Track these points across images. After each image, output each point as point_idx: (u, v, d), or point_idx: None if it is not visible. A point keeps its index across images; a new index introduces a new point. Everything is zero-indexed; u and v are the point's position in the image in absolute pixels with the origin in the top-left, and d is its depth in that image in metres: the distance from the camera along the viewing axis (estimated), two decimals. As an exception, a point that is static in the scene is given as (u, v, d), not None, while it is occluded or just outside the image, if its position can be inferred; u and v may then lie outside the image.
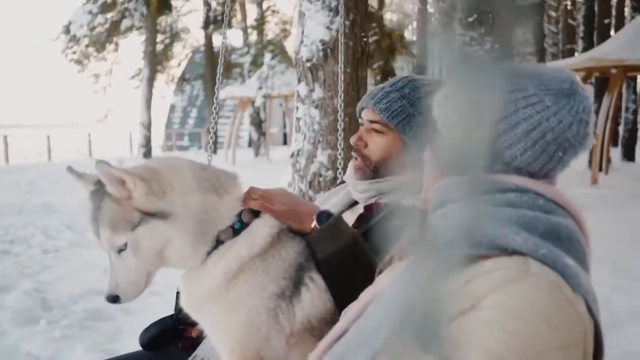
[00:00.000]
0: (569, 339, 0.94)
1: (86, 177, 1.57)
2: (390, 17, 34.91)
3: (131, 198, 1.48)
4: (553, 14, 36.18)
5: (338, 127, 3.27)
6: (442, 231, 1.04)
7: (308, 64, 3.91)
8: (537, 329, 0.91)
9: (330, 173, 3.95)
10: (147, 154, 22.09)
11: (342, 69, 3.33)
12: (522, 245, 0.99)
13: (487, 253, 1.01)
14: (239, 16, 25.53)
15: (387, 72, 11.80)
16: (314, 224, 1.64)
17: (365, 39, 3.99)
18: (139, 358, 2.02)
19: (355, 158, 1.93)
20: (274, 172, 13.82)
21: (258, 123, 22.24)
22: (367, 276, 1.50)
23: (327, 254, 1.58)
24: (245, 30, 26.16)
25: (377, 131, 1.89)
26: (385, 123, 1.87)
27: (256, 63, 21.73)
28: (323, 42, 3.85)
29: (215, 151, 25.81)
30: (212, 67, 26.24)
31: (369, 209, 1.91)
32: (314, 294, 1.56)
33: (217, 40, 26.99)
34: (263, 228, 1.60)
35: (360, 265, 1.58)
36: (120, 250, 1.49)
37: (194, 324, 1.88)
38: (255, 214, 1.64)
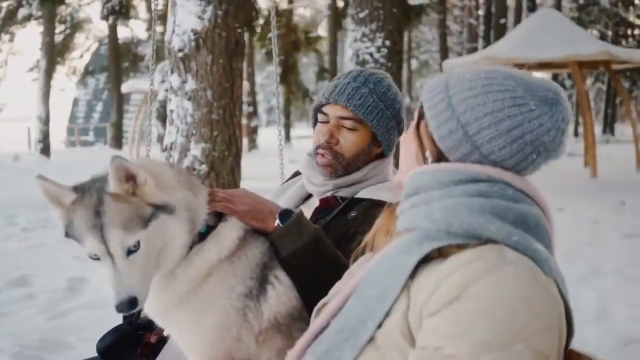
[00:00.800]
0: (548, 322, 1.01)
1: (63, 187, 1.45)
2: (303, 12, 35.07)
3: (138, 193, 1.43)
4: (458, 13, 37.47)
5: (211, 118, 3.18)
6: (418, 221, 1.15)
7: (180, 54, 3.79)
8: (522, 314, 0.98)
9: (204, 167, 3.86)
10: (45, 150, 20.97)
11: (213, 60, 3.24)
12: (496, 233, 1.06)
13: (464, 242, 1.06)
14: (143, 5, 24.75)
15: (288, 68, 11.77)
16: (276, 222, 1.64)
17: (239, 30, 3.92)
18: None
19: (323, 155, 1.88)
20: (176, 167, 13.49)
21: (164, 118, 21.65)
22: (332, 270, 1.53)
23: (290, 252, 1.60)
24: (150, 22, 25.42)
25: (348, 128, 1.86)
26: (359, 119, 1.85)
27: (159, 55, 21.14)
28: (195, 32, 3.75)
29: (120, 147, 25.12)
30: (117, 60, 25.37)
31: (325, 202, 1.92)
32: (280, 292, 1.58)
33: (121, 32, 26.10)
34: (230, 231, 1.59)
35: (324, 260, 1.62)
36: (130, 252, 1.40)
37: (151, 329, 1.86)
38: (218, 216, 1.61)
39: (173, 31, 3.82)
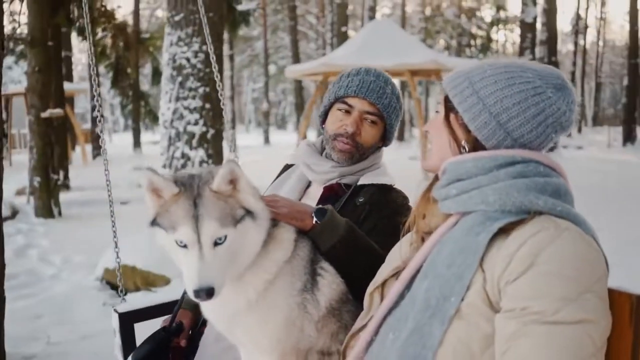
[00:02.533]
0: (601, 271, 1.22)
1: (167, 180, 1.56)
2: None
3: (235, 196, 1.57)
4: (313, 21, 38.22)
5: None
6: (473, 205, 1.31)
7: None
8: (584, 270, 1.19)
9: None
10: None
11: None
12: (544, 206, 1.26)
13: (519, 218, 1.25)
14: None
15: (119, 70, 11.17)
16: (314, 220, 1.78)
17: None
18: None
19: (346, 143, 2.05)
20: (18, 176, 12.52)
21: (-3, 123, 19.90)
22: (367, 255, 1.79)
23: (330, 245, 1.76)
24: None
25: (371, 122, 2.07)
26: (382, 115, 2.07)
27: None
28: None
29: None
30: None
31: (330, 189, 2.08)
32: (329, 280, 1.73)
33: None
34: (287, 234, 1.73)
35: (359, 248, 1.81)
36: (216, 244, 1.51)
37: (179, 334, 2.02)
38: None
39: None
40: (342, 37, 21.72)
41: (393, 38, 14.03)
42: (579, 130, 41.47)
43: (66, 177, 12.84)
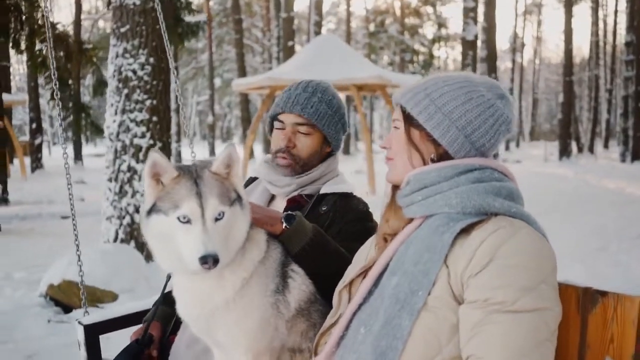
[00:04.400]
0: (553, 264, 1.36)
1: (169, 164, 1.66)
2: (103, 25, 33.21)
3: (230, 179, 1.71)
4: (259, 34, 38.26)
5: None
6: (437, 207, 1.44)
7: None
8: (540, 262, 1.33)
9: None
10: None
11: None
12: (500, 208, 1.40)
13: (479, 219, 1.38)
14: None
15: (63, 79, 10.91)
16: (284, 225, 1.86)
17: None
18: None
19: (284, 157, 2.15)
20: None
21: None
22: (334, 257, 1.89)
23: (299, 248, 1.85)
24: None
25: (304, 133, 2.15)
26: (313, 124, 2.14)
27: None
28: None
29: None
30: None
31: (293, 201, 2.16)
32: (299, 282, 1.83)
33: None
34: (260, 234, 1.83)
35: (327, 250, 1.89)
36: (217, 219, 1.62)
37: (150, 344, 2.05)
38: None
39: None
40: (289, 52, 21.86)
41: (339, 53, 14.25)
42: (517, 144, 42.87)
43: (5, 191, 12.41)
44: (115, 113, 6.94)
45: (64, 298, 5.37)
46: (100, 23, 36.77)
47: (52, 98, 10.03)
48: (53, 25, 10.65)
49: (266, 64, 35.10)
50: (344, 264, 1.75)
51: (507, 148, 36.71)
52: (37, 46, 10.62)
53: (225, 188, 1.69)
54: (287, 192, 2.19)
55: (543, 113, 63.93)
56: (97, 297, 5.29)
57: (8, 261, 7.22)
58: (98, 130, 13.08)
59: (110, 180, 6.95)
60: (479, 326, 1.28)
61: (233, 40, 32.92)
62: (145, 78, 6.94)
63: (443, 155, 1.50)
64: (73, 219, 2.66)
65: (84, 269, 5.41)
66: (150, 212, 1.66)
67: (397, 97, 1.57)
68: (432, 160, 1.50)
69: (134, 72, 6.92)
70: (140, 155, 6.87)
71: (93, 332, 2.24)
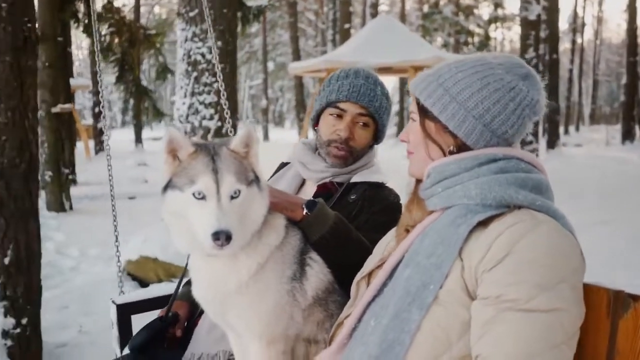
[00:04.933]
0: (577, 263, 1.28)
1: (187, 140, 1.66)
2: (159, 10, 33.89)
3: (249, 159, 1.68)
4: (312, 17, 38.22)
5: None
6: (456, 199, 1.36)
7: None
8: (560, 260, 1.24)
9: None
10: None
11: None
12: (523, 200, 1.31)
13: (499, 212, 1.30)
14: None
15: (125, 66, 11.20)
16: (304, 211, 1.81)
17: (29, 25, 3.60)
18: None
19: (340, 149, 2.09)
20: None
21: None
22: (355, 247, 1.83)
23: (319, 236, 1.80)
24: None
25: (364, 124, 2.11)
26: (374, 118, 2.11)
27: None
28: (-30, 26, 3.40)
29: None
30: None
31: (323, 188, 2.12)
32: (317, 270, 1.79)
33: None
34: (279, 220, 1.78)
35: (348, 239, 1.85)
36: (232, 198, 1.58)
37: (175, 323, 2.06)
38: None
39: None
40: (344, 34, 21.81)
41: (396, 35, 14.12)
42: (577, 128, 41.59)
43: (73, 172, 12.91)
44: (185, 96, 7.13)
45: (140, 273, 5.60)
46: (156, 9, 37.50)
47: (118, 82, 10.29)
48: (117, 10, 10.92)
49: (319, 47, 35.07)
50: (365, 255, 1.68)
51: (566, 132, 35.68)
52: (103, 31, 10.95)
53: (243, 167, 1.65)
54: (318, 178, 2.15)
55: (603, 95, 61.81)
56: (172, 272, 5.50)
57: (83, 238, 7.54)
58: (159, 114, 13.37)
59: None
60: (490, 324, 1.21)
61: (286, 24, 33.03)
62: (213, 61, 7.08)
63: (462, 147, 1.41)
64: (112, 201, 2.79)
65: (158, 245, 5.61)
66: (166, 188, 1.64)
67: (411, 86, 1.49)
68: (451, 153, 1.42)
69: (203, 55, 7.08)
70: (209, 137, 7.05)
71: (126, 312, 2.30)
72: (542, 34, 19.03)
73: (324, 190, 2.12)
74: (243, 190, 1.61)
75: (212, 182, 1.57)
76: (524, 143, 14.94)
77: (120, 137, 29.74)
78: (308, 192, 2.15)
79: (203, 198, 1.57)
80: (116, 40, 11.40)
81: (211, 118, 7.06)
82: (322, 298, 1.79)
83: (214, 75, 7.10)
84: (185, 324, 2.13)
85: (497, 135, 1.38)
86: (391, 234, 1.63)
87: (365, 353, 1.34)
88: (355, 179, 2.12)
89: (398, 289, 1.35)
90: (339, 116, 2.10)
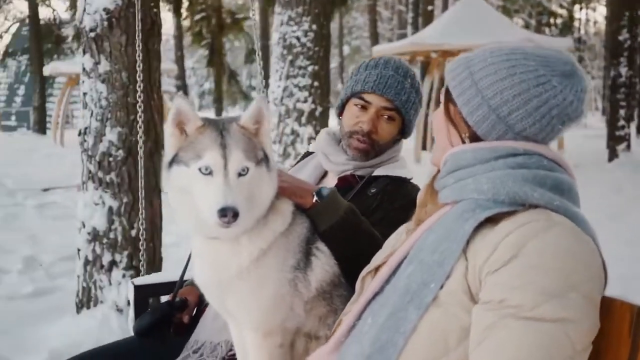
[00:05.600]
0: (593, 272, 1.16)
1: (196, 113, 1.60)
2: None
3: (259, 137, 1.61)
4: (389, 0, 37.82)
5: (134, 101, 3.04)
6: (467, 192, 1.26)
7: (92, 34, 3.63)
8: (573, 266, 1.12)
9: (121, 152, 3.72)
10: (-39, 134, 19.89)
11: (127, 41, 3.11)
12: (539, 199, 1.19)
13: (511, 209, 1.19)
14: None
15: (214, 50, 11.54)
16: (314, 199, 1.75)
17: (155, 10, 3.78)
18: (131, 345, 2.05)
19: (361, 141, 2.00)
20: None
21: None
22: (365, 240, 1.74)
23: (328, 226, 1.72)
24: (73, 0, 24.38)
25: (388, 117, 2.01)
26: (400, 112, 2.00)
27: (79, 37, 20.35)
28: (107, 11, 3.60)
29: (44, 131, 24.03)
30: (38, 41, 24.20)
31: (344, 180, 2.05)
32: (323, 261, 1.71)
33: (43, 12, 24.90)
34: (286, 205, 1.71)
35: (358, 232, 1.77)
36: (240, 175, 1.53)
37: (184, 309, 2.01)
38: None
39: (84, 10, 3.65)
40: (427, 16, 21.45)
41: (483, 16, 13.77)
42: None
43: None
44: (280, 79, 7.28)
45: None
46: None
47: (208, 65, 10.61)
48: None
49: (395, 30, 34.70)
50: (376, 250, 1.56)
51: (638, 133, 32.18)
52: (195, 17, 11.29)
53: (253, 144, 1.58)
54: (339, 170, 2.07)
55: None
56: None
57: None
58: (246, 97, 13.64)
59: (274, 142, 7.32)
60: (490, 330, 1.10)
61: (362, 7, 32.84)
62: (308, 45, 7.19)
63: (473, 137, 1.31)
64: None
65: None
66: (171, 163, 1.57)
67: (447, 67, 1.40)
68: (464, 142, 1.33)
69: (298, 39, 7.19)
70: (303, 119, 7.19)
71: (143, 293, 2.30)
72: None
73: (344, 183, 2.04)
74: (251, 168, 1.55)
75: (219, 157, 1.51)
76: (615, 127, 14.38)
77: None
78: (329, 184, 2.04)
79: (210, 174, 1.51)
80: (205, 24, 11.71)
81: (305, 101, 7.18)
82: (327, 291, 1.71)
83: (309, 58, 7.21)
84: (195, 310, 2.08)
85: (514, 131, 1.26)
86: (403, 228, 1.53)
87: (359, 352, 1.26)
88: (378, 172, 2.04)
89: (399, 286, 1.27)
90: (364, 107, 2.01)
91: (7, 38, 28.32)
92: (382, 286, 1.34)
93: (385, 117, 2.00)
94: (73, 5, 23.15)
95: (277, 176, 1.67)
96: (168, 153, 1.60)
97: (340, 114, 2.10)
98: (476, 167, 1.27)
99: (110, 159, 3.72)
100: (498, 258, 1.13)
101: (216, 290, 1.68)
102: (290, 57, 7.23)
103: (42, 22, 24.82)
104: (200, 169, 1.51)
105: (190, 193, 1.53)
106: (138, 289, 2.28)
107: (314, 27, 7.14)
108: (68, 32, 22.46)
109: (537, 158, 1.26)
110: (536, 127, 1.24)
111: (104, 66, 3.65)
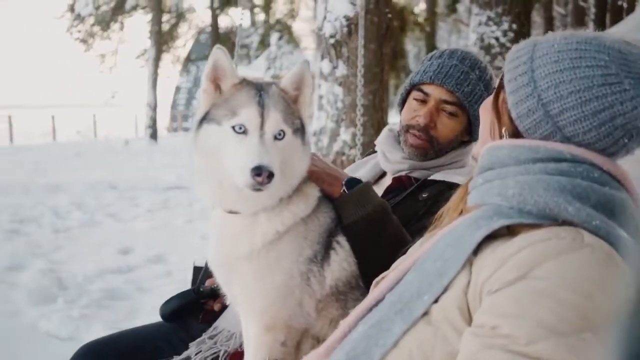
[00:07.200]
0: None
1: (234, 68, 1.53)
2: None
3: (296, 104, 1.53)
4: (563, -4, 35.77)
5: (357, 103, 3.18)
6: (490, 196, 1.05)
7: (331, 41, 3.82)
8: (593, 301, 0.88)
9: (353, 152, 3.87)
10: (153, 135, 21.99)
11: (364, 45, 3.22)
12: (575, 215, 0.96)
13: (537, 222, 0.97)
14: (246, -4, 25.22)
15: (397, 52, 11.65)
16: (342, 188, 1.63)
17: (389, 15, 3.89)
18: (159, 329, 1.99)
19: (417, 137, 1.83)
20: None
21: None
22: (393, 244, 1.53)
23: (353, 219, 1.59)
24: (252, 10, 25.92)
25: (449, 112, 1.82)
26: (463, 105, 1.80)
27: (263, 43, 21.55)
28: (347, 18, 3.77)
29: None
30: (217, 48, 25.99)
31: (398, 181, 1.88)
32: (341, 257, 1.56)
33: (222, 21, 26.77)
34: (312, 189, 1.59)
35: (386, 233, 1.60)
36: (275, 138, 1.44)
37: (215, 297, 1.91)
38: None
39: (324, 17, 3.85)
40: (617, 12, 19.96)
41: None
42: None
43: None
44: (477, 80, 7.17)
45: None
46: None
47: (391, 70, 10.76)
48: None
49: (568, 28, 32.66)
50: (401, 255, 1.38)
51: None
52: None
53: (291, 110, 1.48)
54: (395, 169, 1.89)
55: None
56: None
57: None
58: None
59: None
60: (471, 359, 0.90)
61: (536, 6, 31.39)
62: (508, 45, 6.99)
63: (514, 133, 1.10)
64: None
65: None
66: (201, 122, 1.47)
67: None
68: (501, 136, 1.13)
69: (497, 39, 7.02)
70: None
71: (202, 275, 2.19)
72: None
73: (398, 183, 1.87)
74: (288, 133, 1.45)
75: (256, 115, 1.41)
76: None
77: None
78: (385, 185, 1.91)
79: (244, 132, 1.41)
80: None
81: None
82: (342, 292, 1.55)
83: (508, 59, 7.03)
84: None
85: (564, 134, 1.04)
86: (429, 234, 1.32)
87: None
88: (436, 176, 1.82)
89: (395, 293, 1.12)
90: (423, 101, 1.83)
91: (188, 45, 30.77)
92: (385, 293, 1.18)
93: (447, 112, 1.81)
94: (254, 18, 24.50)
95: (310, 153, 1.57)
96: (199, 110, 1.51)
97: (402, 109, 1.93)
98: (509, 168, 1.06)
99: (343, 157, 3.89)
100: (501, 276, 0.93)
101: (224, 271, 1.59)
102: (487, 58, 7.08)
103: (220, 30, 26.69)
104: (234, 127, 1.42)
105: (218, 155, 1.44)
106: (196, 270, 2.21)
107: (514, 26, 6.93)
108: (250, 40, 23.83)
109: (586, 167, 1.02)
110: (592, 135, 1.02)
111: (341, 70, 3.83)
